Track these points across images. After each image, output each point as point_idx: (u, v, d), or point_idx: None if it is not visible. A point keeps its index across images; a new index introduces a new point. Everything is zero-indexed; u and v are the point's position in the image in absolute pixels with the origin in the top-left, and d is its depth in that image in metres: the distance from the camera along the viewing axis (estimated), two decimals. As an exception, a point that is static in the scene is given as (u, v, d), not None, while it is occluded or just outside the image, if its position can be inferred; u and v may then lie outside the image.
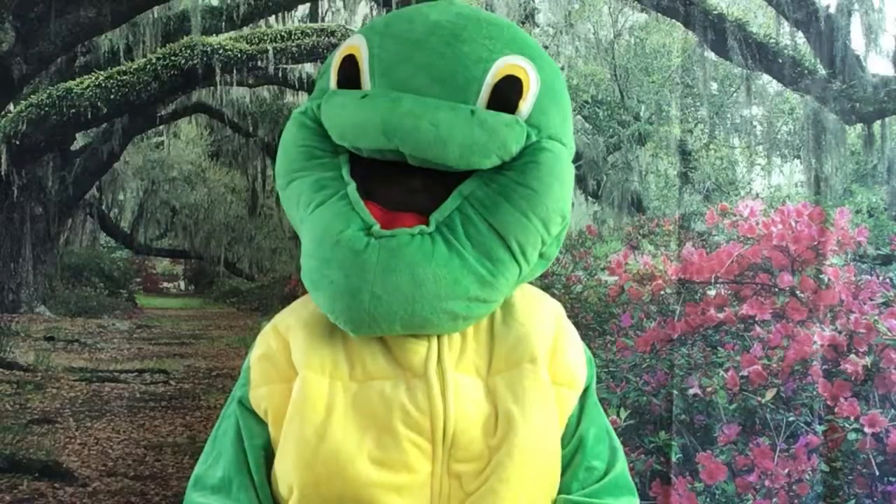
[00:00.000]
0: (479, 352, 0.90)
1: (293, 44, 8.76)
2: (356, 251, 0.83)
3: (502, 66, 0.86)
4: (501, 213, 0.85)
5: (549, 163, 0.87)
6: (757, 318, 2.69)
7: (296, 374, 0.88)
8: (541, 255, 0.91)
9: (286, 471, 0.87)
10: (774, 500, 2.27)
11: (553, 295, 1.03)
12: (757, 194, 9.58)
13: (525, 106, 0.87)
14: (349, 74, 0.89)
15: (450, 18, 0.89)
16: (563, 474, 0.93)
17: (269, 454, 0.91)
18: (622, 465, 0.97)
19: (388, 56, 0.87)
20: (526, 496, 0.87)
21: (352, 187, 0.87)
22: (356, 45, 0.90)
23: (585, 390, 0.96)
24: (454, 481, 0.86)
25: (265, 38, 8.80)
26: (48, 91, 8.16)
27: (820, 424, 2.40)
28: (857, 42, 7.48)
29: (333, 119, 0.88)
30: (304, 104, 0.93)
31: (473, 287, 0.85)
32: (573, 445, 0.94)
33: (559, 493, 0.93)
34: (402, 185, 0.87)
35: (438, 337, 0.88)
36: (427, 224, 0.85)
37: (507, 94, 0.86)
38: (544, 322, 0.94)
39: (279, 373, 0.90)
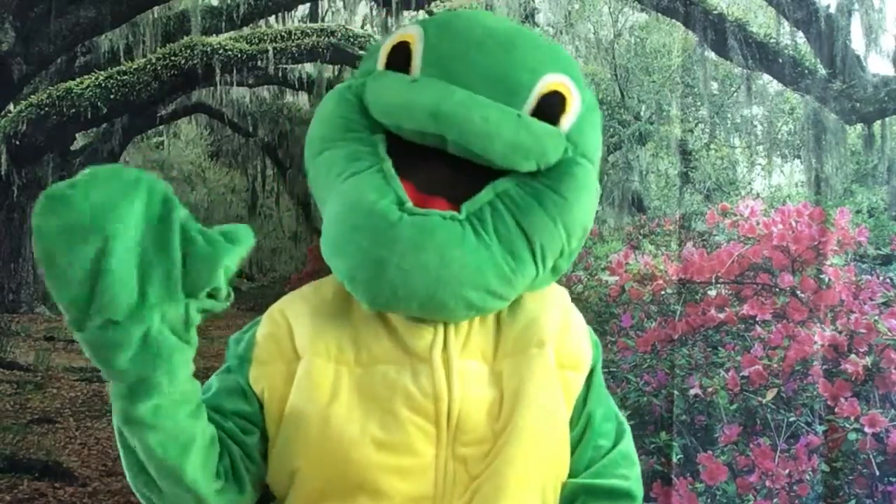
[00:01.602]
0: (486, 337, 0.92)
1: (293, 44, 8.75)
2: (390, 222, 0.84)
3: (550, 80, 0.90)
4: (532, 214, 0.88)
5: (582, 177, 0.91)
6: (757, 319, 2.68)
7: (297, 357, 0.90)
8: (553, 268, 0.92)
9: (289, 455, 0.88)
10: (775, 500, 2.27)
11: (553, 294, 1.04)
12: (757, 194, 9.59)
13: (566, 122, 0.91)
14: (399, 61, 0.92)
15: (506, 27, 0.94)
16: (571, 455, 0.94)
17: (247, 424, 0.90)
18: (628, 441, 0.99)
19: (444, 49, 0.90)
20: (532, 479, 0.88)
21: (388, 163, 0.89)
22: (412, 34, 0.93)
23: (592, 372, 0.97)
24: (459, 465, 0.87)
25: (265, 38, 8.79)
26: (48, 91, 8.15)
27: (820, 424, 2.39)
28: (857, 42, 7.49)
29: (380, 97, 0.90)
30: (348, 80, 0.95)
31: (494, 280, 0.86)
32: (581, 425, 0.95)
33: (569, 475, 0.94)
34: (434, 171, 0.89)
35: (445, 324, 0.90)
36: (458, 212, 0.87)
37: (551, 107, 0.90)
38: (552, 307, 0.96)
39: (281, 352, 0.91)
